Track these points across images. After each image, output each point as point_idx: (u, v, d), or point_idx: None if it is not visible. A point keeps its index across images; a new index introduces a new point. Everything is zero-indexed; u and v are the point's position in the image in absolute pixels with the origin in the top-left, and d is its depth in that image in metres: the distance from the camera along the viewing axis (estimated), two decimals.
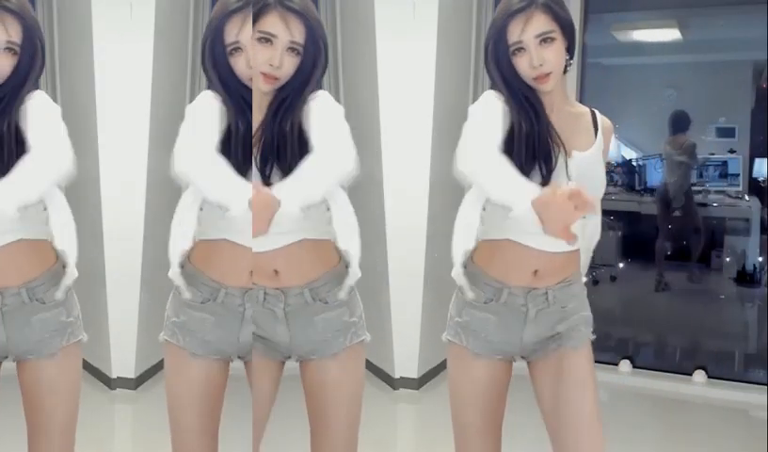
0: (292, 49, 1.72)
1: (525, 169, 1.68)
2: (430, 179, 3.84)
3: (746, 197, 6.58)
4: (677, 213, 6.08)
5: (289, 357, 1.88)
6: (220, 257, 1.80)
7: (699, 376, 4.09)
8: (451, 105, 4.05)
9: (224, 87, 1.75)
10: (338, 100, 4.69)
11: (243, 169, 1.71)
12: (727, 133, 7.10)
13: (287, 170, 1.71)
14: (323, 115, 1.79)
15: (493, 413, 1.86)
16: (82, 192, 4.01)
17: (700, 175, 6.57)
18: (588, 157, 1.78)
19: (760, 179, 6.90)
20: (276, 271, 1.79)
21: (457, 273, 1.87)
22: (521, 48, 1.70)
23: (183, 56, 4.16)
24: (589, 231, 1.84)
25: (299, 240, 1.79)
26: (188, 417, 1.83)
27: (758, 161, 6.95)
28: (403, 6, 3.72)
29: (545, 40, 1.69)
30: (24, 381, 1.85)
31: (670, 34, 6.34)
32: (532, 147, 1.71)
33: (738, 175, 6.73)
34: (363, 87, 3.95)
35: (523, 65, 1.72)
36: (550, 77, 1.71)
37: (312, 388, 1.87)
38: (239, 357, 1.86)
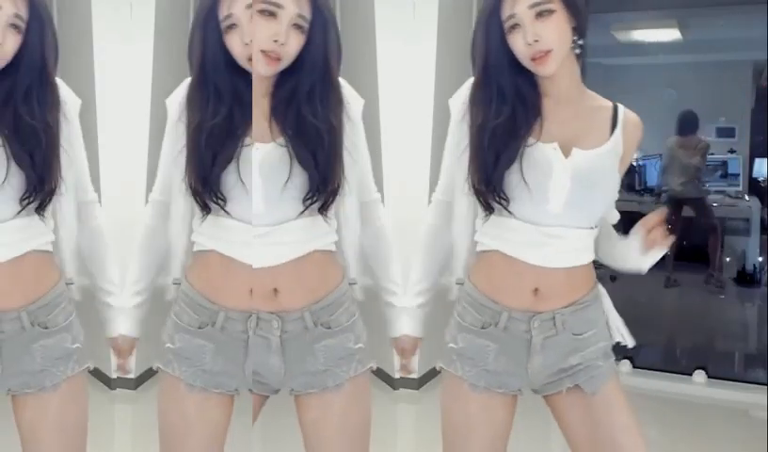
0: (298, 25, 1.50)
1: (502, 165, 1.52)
2: (430, 179, 3.84)
3: (746, 197, 6.58)
4: (689, 213, 6.01)
5: (277, 391, 1.68)
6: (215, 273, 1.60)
7: (699, 376, 4.09)
8: None
9: (216, 73, 1.54)
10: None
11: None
12: (727, 133, 7.10)
13: (317, 170, 1.54)
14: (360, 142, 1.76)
15: None
16: None
17: None
18: (593, 157, 1.53)
19: (760, 179, 6.91)
20: (276, 290, 1.59)
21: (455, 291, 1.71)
22: (517, 24, 1.48)
23: (183, 56, 4.15)
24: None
25: (309, 252, 1.60)
26: None
27: (758, 161, 6.95)
28: (403, 6, 3.72)
29: (541, 13, 1.46)
30: (23, 419, 1.64)
31: (670, 34, 6.33)
32: (505, 141, 1.52)
33: (738, 175, 6.73)
34: (363, 87, 3.94)
35: (518, 43, 1.48)
36: (549, 57, 1.47)
37: (312, 426, 1.66)
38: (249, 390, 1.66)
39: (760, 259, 6.22)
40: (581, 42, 1.54)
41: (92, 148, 3.73)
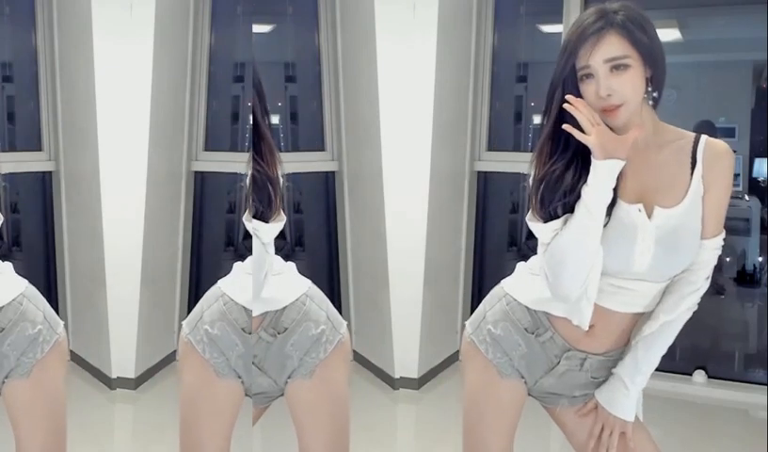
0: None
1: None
2: (430, 179, 3.84)
3: (746, 197, 6.57)
4: None
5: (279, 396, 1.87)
6: None
7: (699, 376, 4.09)
8: (451, 106, 4.05)
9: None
10: (338, 100, 4.74)
11: None
12: (727, 133, 7.09)
13: None
14: None
15: (511, 436, 1.74)
16: (82, 192, 4.01)
17: None
18: (676, 216, 1.53)
19: (760, 179, 6.90)
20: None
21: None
22: (590, 74, 1.48)
23: (183, 56, 4.16)
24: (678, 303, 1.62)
25: None
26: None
27: (758, 161, 6.94)
28: (403, 6, 3.72)
29: (617, 66, 1.47)
30: (5, 406, 1.79)
31: (670, 34, 6.33)
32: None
33: (738, 175, 6.72)
34: (363, 87, 3.95)
35: (590, 94, 1.49)
36: (620, 110, 1.47)
37: (292, 411, 1.84)
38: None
39: (760, 259, 6.21)
40: (655, 94, 1.53)
41: (92, 148, 3.74)
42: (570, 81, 1.50)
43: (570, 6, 4.01)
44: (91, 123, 3.73)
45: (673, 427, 3.70)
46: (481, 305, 1.76)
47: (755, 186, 6.80)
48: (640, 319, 1.66)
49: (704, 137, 1.56)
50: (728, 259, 6.30)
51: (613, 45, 1.46)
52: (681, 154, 1.55)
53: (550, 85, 1.54)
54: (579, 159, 1.51)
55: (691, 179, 1.54)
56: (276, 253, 1.89)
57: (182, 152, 4.19)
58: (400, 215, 3.84)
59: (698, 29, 6.41)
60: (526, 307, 1.66)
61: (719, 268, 6.14)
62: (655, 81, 1.52)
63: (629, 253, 1.53)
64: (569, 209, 1.51)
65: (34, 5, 4.10)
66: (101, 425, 3.65)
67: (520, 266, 1.74)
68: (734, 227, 6.44)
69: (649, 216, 1.52)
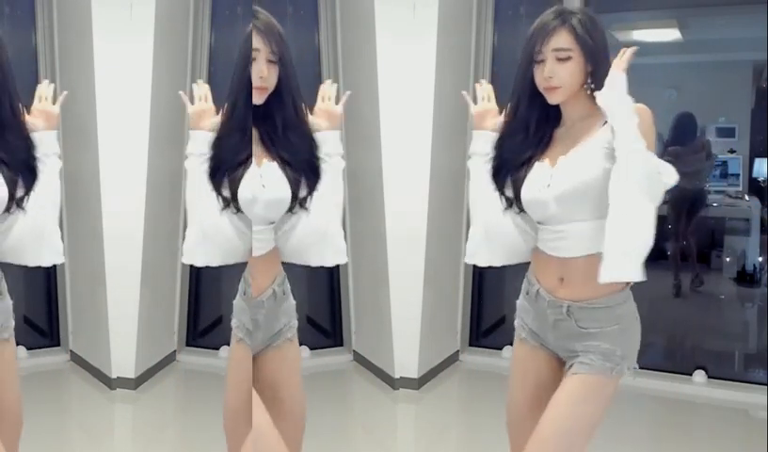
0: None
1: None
2: (430, 179, 3.84)
3: (746, 197, 6.57)
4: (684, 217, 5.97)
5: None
6: None
7: (699, 376, 4.09)
8: (451, 106, 4.05)
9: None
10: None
11: None
12: (727, 133, 7.10)
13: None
14: None
15: (533, 398, 1.89)
16: (82, 192, 4.02)
17: None
18: (573, 157, 1.80)
19: (760, 179, 6.90)
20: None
21: None
22: (542, 60, 1.80)
23: (183, 55, 4.16)
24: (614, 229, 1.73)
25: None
26: None
27: (758, 161, 6.94)
28: (403, 6, 3.72)
29: (561, 56, 1.78)
30: None
31: (670, 34, 6.33)
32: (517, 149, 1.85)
33: (738, 175, 6.72)
34: (363, 87, 3.95)
35: (538, 74, 1.81)
36: (557, 92, 1.79)
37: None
38: None
39: (760, 259, 6.21)
40: (593, 86, 1.79)
41: (92, 148, 3.74)
42: (527, 63, 1.83)
43: (570, 6, 4.01)
44: (91, 123, 3.73)
45: (673, 428, 3.70)
46: None
47: (755, 186, 6.80)
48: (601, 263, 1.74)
49: None
50: (727, 259, 6.30)
51: (561, 38, 1.78)
52: (600, 118, 1.80)
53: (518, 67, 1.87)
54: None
55: (598, 132, 1.80)
56: None
57: (182, 152, 4.18)
58: (400, 215, 3.84)
59: (698, 29, 6.40)
60: (526, 279, 1.92)
61: (719, 269, 6.14)
62: (595, 75, 1.79)
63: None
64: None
65: (34, 5, 4.10)
66: (101, 425, 3.65)
67: None
68: (734, 227, 6.44)
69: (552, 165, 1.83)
